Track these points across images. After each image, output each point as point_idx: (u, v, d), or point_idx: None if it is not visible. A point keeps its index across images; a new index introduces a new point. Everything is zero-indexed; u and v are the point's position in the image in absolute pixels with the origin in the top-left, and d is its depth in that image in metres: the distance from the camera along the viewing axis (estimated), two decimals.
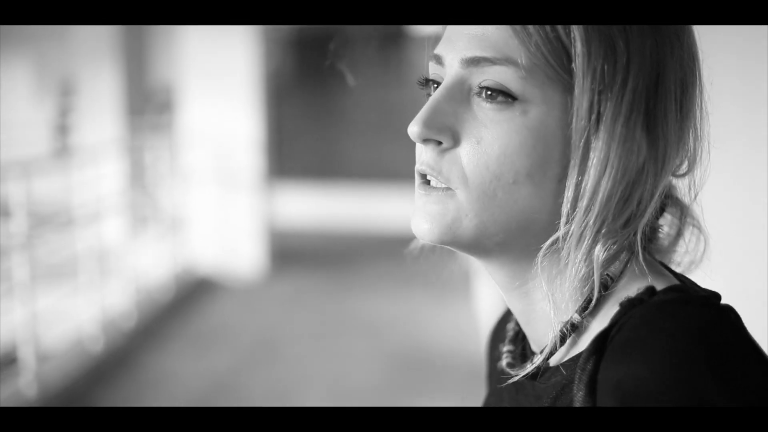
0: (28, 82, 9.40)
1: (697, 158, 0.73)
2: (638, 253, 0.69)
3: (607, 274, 0.70)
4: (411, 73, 8.98)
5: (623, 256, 0.70)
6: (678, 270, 0.76)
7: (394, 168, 8.56)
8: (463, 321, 5.35)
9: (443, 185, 0.72)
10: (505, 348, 0.85)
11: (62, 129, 8.81)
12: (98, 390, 4.41)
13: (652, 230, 0.75)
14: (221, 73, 6.65)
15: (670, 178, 0.73)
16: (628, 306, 0.66)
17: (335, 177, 9.33)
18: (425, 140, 0.72)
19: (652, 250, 0.76)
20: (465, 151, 0.70)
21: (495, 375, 0.90)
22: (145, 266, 5.95)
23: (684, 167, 0.73)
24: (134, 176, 6.61)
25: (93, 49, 6.73)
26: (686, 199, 0.76)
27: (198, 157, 6.75)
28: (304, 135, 9.52)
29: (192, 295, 6.23)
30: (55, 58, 8.75)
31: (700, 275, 0.76)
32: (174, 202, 6.76)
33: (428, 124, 0.71)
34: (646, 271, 0.69)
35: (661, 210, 0.76)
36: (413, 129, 0.71)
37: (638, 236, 0.69)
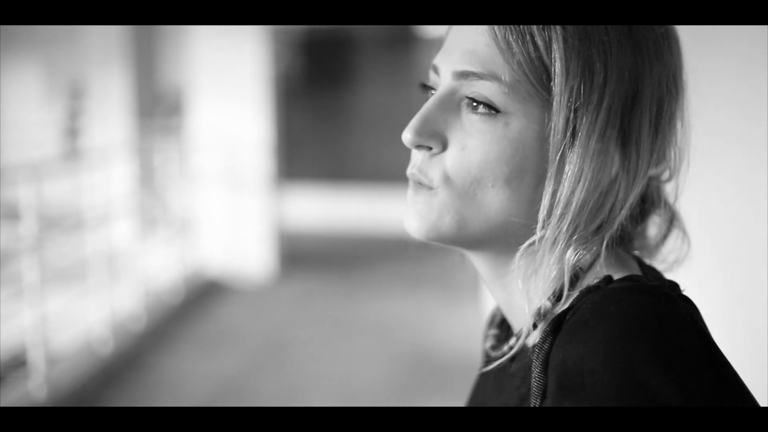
0: (38, 85, 9.45)
1: (679, 167, 0.80)
2: (602, 254, 0.74)
3: (579, 266, 0.75)
4: (420, 76, 8.98)
5: (594, 250, 0.75)
6: (661, 267, 0.82)
7: (402, 170, 8.55)
8: (472, 322, 5.35)
9: (428, 185, 0.78)
10: (491, 332, 0.94)
11: (72, 131, 8.86)
12: (108, 392, 4.42)
13: (628, 233, 0.81)
14: (230, 75, 6.67)
15: (645, 186, 0.78)
16: (585, 292, 0.72)
17: (344, 179, 9.34)
18: (418, 146, 0.79)
19: (631, 248, 0.82)
20: (450, 155, 0.77)
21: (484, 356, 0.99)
22: (154, 268, 5.97)
23: (666, 175, 0.80)
24: (143, 179, 6.62)
25: (102, 51, 6.75)
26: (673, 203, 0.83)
27: (207, 159, 6.76)
28: (313, 137, 9.53)
29: (201, 297, 6.24)
30: (65, 60, 8.79)
31: (702, 277, 0.77)
32: (183, 204, 6.78)
33: (419, 131, 0.78)
34: (612, 264, 0.75)
35: (643, 214, 0.82)
36: (406, 136, 0.78)
37: (605, 240, 0.74)
